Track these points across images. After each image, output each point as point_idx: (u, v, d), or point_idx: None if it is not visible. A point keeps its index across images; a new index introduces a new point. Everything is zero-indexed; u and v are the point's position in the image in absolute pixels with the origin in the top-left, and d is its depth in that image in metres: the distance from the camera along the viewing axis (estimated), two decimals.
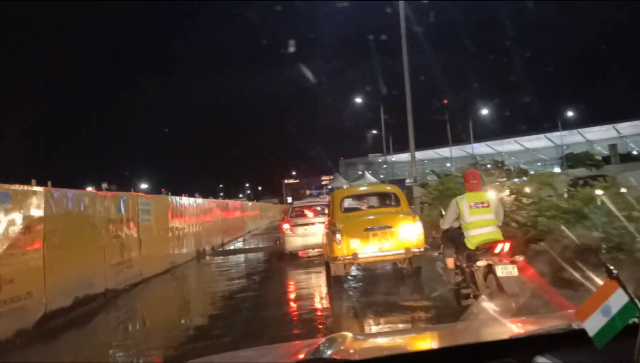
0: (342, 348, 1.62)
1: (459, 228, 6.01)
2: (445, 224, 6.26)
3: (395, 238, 8.31)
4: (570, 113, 66.49)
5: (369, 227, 8.50)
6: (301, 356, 1.67)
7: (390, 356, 1.65)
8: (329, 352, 1.54)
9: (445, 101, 59.65)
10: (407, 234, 8.40)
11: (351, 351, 1.65)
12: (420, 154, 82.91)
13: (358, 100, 41.70)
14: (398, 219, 8.70)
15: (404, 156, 73.51)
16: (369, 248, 8.33)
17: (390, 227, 8.42)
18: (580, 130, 73.34)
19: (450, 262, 6.35)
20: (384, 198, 10.68)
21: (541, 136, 77.16)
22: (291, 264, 13.23)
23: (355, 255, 8.24)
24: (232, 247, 20.42)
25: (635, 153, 67.89)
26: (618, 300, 1.11)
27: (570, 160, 50.84)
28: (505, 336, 1.67)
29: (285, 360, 1.85)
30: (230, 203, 24.60)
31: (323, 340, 1.70)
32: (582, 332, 1.21)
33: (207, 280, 12.31)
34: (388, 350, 1.86)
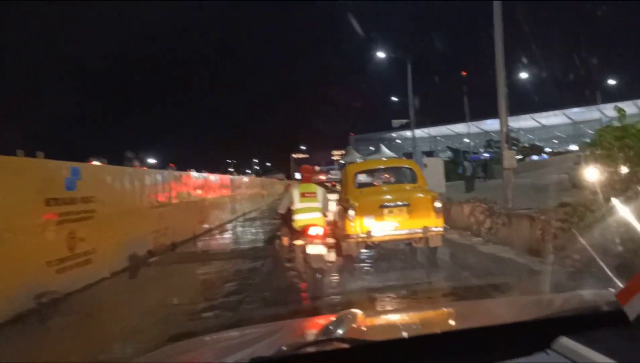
0: (353, 326, 1.50)
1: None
2: (281, 209, 6.81)
3: (413, 216, 7.40)
4: (609, 84, 57.65)
5: (384, 204, 7.60)
6: (311, 334, 1.49)
7: (401, 339, 1.43)
8: (340, 331, 1.38)
9: (464, 73, 50.42)
10: (425, 212, 7.48)
11: (363, 329, 1.56)
12: (432, 130, 76.22)
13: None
14: (416, 196, 7.81)
15: (417, 132, 66.66)
16: (383, 226, 7.46)
17: (407, 204, 7.46)
18: (600, 106, 66.86)
19: (285, 240, 6.86)
20: (401, 173, 9.43)
21: (558, 112, 70.30)
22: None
23: (369, 234, 7.37)
24: (205, 243, 12.97)
25: None
26: None
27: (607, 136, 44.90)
28: (526, 317, 1.41)
29: (294, 338, 1.58)
30: (212, 177, 16.64)
31: (333, 317, 1.52)
32: (614, 314, 1.14)
33: None
34: (399, 330, 1.68)
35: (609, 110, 65.24)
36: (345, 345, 1.19)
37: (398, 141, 75.88)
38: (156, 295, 6.99)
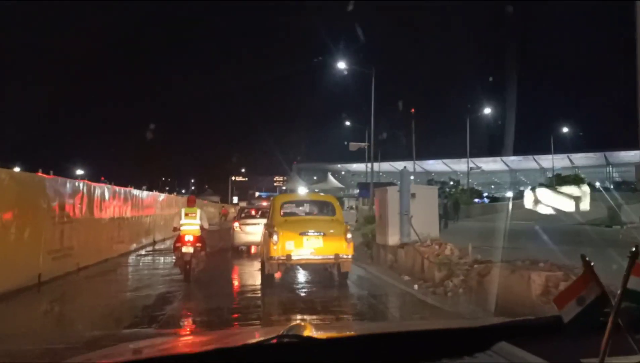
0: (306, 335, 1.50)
1: None
2: (175, 224, 9.29)
3: (327, 243, 8.35)
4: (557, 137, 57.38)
5: (303, 232, 8.48)
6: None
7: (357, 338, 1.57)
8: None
9: (413, 110, 47.55)
10: (337, 241, 8.46)
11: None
12: (374, 166, 73.64)
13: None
14: (331, 227, 8.76)
15: (362, 166, 63.73)
16: (302, 251, 8.37)
17: (323, 233, 8.39)
18: (535, 156, 67.32)
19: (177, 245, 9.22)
20: (322, 207, 10.15)
21: (497, 158, 70.22)
22: None
23: (289, 256, 8.26)
24: (51, 297, 7.85)
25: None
26: (592, 291, 1.03)
27: (559, 182, 44.34)
28: (468, 324, 1.53)
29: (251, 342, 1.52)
30: (99, 191, 11.43)
31: (286, 327, 1.45)
32: (550, 322, 1.25)
33: None
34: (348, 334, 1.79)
35: (543, 161, 65.39)
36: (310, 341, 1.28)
37: (342, 172, 72.58)
38: None
